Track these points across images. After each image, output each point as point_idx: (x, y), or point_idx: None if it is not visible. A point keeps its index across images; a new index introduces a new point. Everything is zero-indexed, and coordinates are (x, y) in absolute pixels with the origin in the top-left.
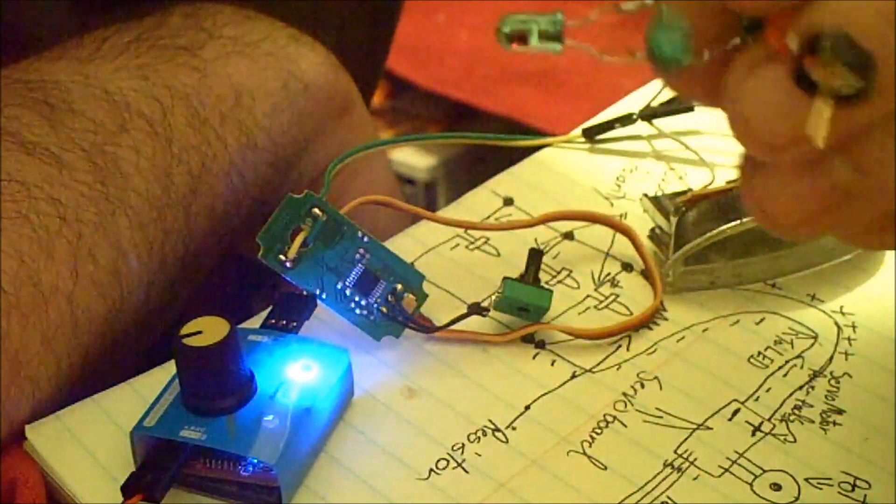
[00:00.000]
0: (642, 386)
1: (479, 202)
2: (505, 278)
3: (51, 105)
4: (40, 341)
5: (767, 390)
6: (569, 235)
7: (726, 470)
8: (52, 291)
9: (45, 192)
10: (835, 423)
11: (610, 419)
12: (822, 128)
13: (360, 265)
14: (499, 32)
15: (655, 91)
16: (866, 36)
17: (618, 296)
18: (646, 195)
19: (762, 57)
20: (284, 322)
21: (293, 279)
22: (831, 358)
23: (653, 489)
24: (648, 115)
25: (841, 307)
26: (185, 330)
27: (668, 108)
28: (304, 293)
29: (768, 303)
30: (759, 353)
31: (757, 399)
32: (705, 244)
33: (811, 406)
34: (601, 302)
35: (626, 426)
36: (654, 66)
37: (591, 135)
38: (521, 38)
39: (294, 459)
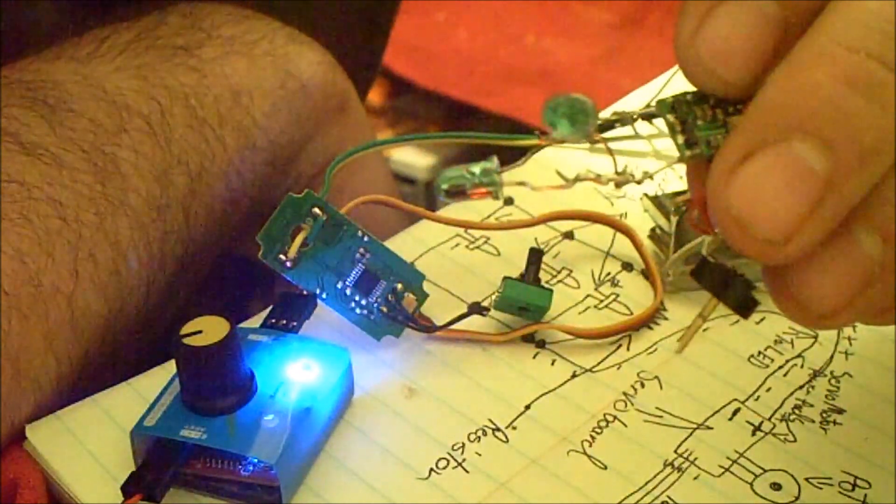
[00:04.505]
0: (642, 385)
1: (479, 202)
2: (505, 278)
3: (50, 105)
4: (41, 342)
5: (768, 390)
6: (569, 235)
7: (726, 469)
8: (53, 292)
9: (45, 192)
10: (835, 423)
11: (610, 419)
12: None
13: (360, 265)
14: (437, 189)
15: (656, 91)
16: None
17: (618, 295)
18: (646, 195)
19: (742, 153)
20: (284, 322)
21: (293, 279)
22: (831, 357)
23: (653, 489)
24: (648, 115)
25: None
26: (185, 330)
27: None
28: (305, 293)
29: (768, 302)
30: (760, 352)
31: (757, 398)
32: None
33: (811, 405)
34: (601, 301)
35: (626, 426)
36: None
37: None
38: (461, 192)
39: (294, 459)
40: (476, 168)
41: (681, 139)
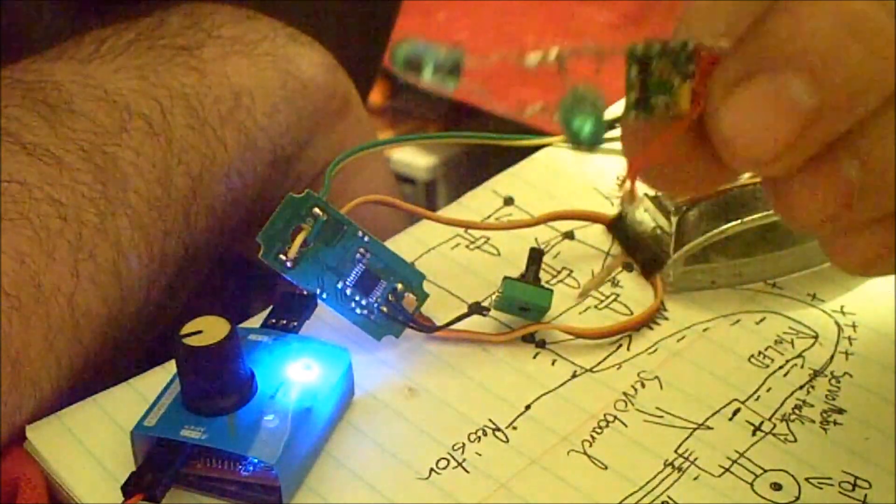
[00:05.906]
0: (643, 385)
1: (479, 202)
2: (505, 278)
3: (50, 105)
4: (41, 342)
5: (768, 390)
6: (569, 235)
7: (727, 469)
8: (53, 292)
9: (46, 192)
10: (835, 423)
11: (610, 419)
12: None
13: (360, 265)
14: (394, 56)
15: None
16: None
17: (618, 296)
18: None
19: (736, 77)
20: (285, 322)
21: (293, 279)
22: (832, 357)
23: (653, 489)
24: None
25: (841, 307)
26: (185, 330)
27: None
28: (305, 293)
29: (769, 302)
30: (760, 352)
31: (757, 399)
32: (705, 244)
33: (812, 406)
34: (601, 302)
35: (626, 426)
36: (574, 145)
37: None
38: (417, 67)
39: (294, 459)
40: (442, 50)
41: (633, 97)
